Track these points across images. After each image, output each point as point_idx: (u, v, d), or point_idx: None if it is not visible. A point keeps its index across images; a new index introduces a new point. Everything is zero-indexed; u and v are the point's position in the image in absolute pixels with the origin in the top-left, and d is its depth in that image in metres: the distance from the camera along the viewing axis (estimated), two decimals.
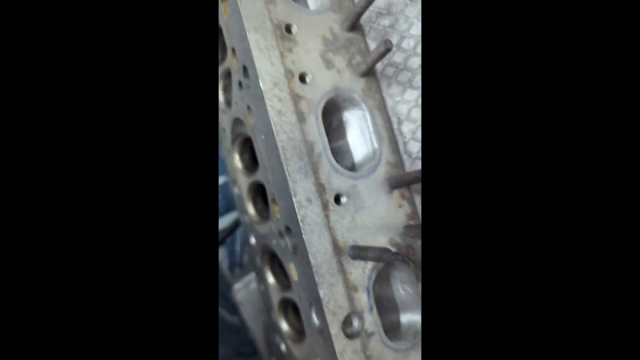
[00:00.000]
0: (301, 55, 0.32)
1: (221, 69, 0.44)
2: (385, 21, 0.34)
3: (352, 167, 0.34)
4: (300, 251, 0.31)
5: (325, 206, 0.30)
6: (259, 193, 0.47)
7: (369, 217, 0.31)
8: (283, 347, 0.50)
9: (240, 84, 0.35)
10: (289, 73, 0.31)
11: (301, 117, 0.31)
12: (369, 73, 0.33)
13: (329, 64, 0.32)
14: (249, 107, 0.34)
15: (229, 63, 0.38)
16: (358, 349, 0.29)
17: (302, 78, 0.31)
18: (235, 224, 0.79)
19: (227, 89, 0.49)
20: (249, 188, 0.46)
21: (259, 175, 0.39)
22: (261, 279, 0.50)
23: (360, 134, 0.34)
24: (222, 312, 0.78)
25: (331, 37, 0.33)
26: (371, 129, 0.33)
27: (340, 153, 0.35)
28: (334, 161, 0.31)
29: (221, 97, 0.48)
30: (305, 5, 0.35)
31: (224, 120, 0.47)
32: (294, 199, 0.29)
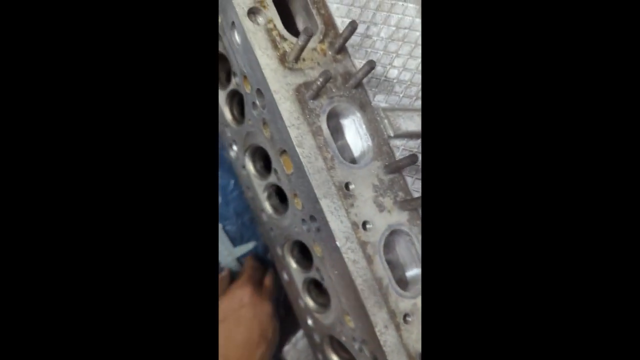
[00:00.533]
0: (360, 207, 0.39)
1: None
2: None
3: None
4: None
5: (397, 327, 0.38)
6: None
7: None
8: None
9: (308, 228, 0.43)
10: (354, 225, 0.39)
11: (369, 260, 0.38)
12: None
13: (381, 207, 0.40)
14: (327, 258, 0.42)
15: (291, 201, 0.45)
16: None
17: (364, 226, 0.39)
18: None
19: None
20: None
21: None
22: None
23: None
24: None
25: (378, 182, 0.41)
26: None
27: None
28: (397, 288, 0.39)
29: (268, 205, 0.56)
30: (352, 155, 0.43)
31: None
32: (375, 329, 0.37)
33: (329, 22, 0.44)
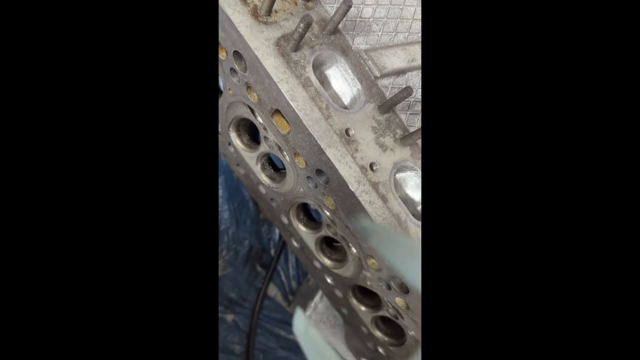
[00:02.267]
0: (364, 150, 0.39)
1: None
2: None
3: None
4: None
5: None
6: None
7: None
8: (372, 345, 0.61)
9: (315, 184, 0.43)
10: (362, 168, 0.39)
11: (384, 199, 0.39)
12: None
13: (383, 147, 0.41)
14: (341, 207, 0.42)
15: (292, 162, 0.44)
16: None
17: (372, 167, 0.39)
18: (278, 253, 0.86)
19: (265, 167, 0.55)
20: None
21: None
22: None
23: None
24: (292, 337, 0.87)
25: (376, 123, 0.41)
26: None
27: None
28: (415, 220, 0.40)
29: (264, 176, 0.54)
30: (342, 103, 0.42)
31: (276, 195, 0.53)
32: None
33: None
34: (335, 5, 0.43)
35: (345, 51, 0.42)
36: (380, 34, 0.44)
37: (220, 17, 0.38)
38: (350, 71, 0.42)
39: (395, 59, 0.43)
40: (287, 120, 0.41)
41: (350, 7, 0.38)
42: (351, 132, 0.40)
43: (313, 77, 0.39)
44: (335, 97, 0.44)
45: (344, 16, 0.39)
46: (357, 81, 0.42)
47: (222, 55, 0.42)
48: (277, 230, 0.90)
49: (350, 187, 0.38)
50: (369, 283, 0.48)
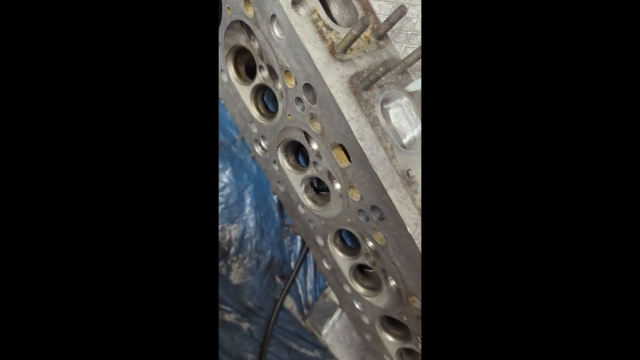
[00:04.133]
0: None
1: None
2: None
3: None
4: None
5: None
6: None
7: None
8: None
9: (367, 217, 0.44)
10: (420, 211, 0.39)
11: None
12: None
13: None
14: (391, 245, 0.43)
15: (344, 193, 0.45)
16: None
17: None
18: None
19: None
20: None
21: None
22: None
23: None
24: (303, 351, 0.87)
25: None
26: None
27: None
28: None
29: (306, 198, 0.55)
30: (401, 141, 0.43)
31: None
32: None
33: (368, 7, 0.43)
34: (404, 45, 0.44)
35: (411, 92, 0.43)
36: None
37: (298, 50, 0.39)
38: (413, 111, 0.43)
39: None
40: (348, 156, 0.41)
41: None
42: (411, 174, 0.40)
43: (381, 117, 0.40)
44: (395, 135, 0.44)
45: (417, 60, 0.40)
46: (419, 121, 0.43)
47: (289, 83, 0.43)
48: (299, 244, 0.90)
49: (408, 229, 0.38)
50: (405, 318, 0.48)
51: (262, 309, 0.86)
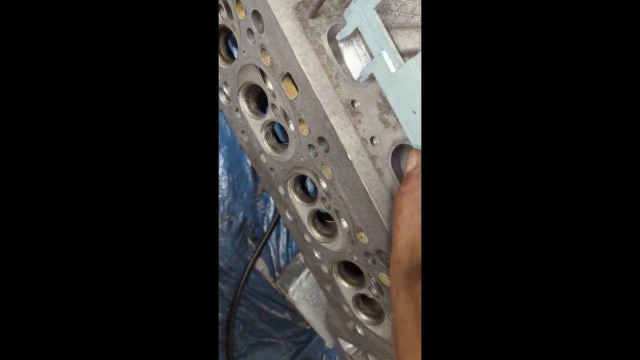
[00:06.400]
0: (366, 123, 0.40)
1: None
2: None
3: None
4: None
5: None
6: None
7: None
8: (350, 325, 0.62)
9: (316, 153, 0.44)
10: (363, 140, 0.40)
11: (379, 172, 0.40)
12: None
13: (386, 124, 0.42)
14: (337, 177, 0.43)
15: (296, 130, 0.45)
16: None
17: (372, 141, 0.40)
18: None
19: (268, 136, 0.56)
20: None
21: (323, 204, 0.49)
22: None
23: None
24: (273, 312, 0.88)
25: (382, 100, 0.42)
26: None
27: None
28: None
29: (266, 144, 0.56)
30: (352, 78, 0.43)
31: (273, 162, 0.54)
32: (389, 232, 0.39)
33: None
34: None
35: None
36: (397, 14, 0.45)
37: None
38: (363, 47, 0.43)
39: (409, 40, 0.44)
40: (296, 86, 0.42)
41: None
42: (357, 104, 0.41)
43: (327, 46, 0.40)
44: (347, 71, 0.45)
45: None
46: (369, 57, 0.43)
47: (241, 15, 0.43)
48: (272, 207, 0.91)
49: (349, 156, 0.39)
50: (355, 258, 0.49)
51: (233, 270, 0.87)
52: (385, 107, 0.42)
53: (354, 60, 0.44)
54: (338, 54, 0.45)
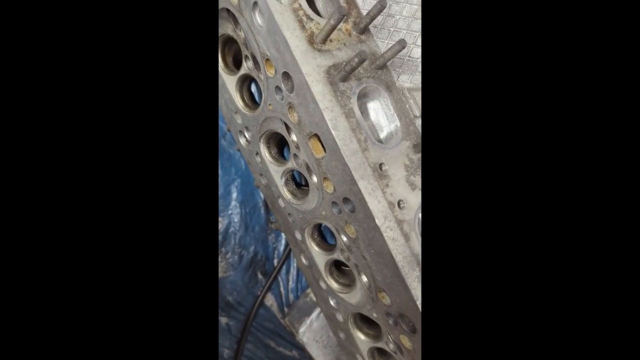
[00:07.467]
0: (394, 186, 0.40)
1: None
2: None
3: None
4: None
5: None
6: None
7: None
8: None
9: (339, 210, 0.44)
10: (390, 204, 0.39)
11: (406, 237, 0.39)
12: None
13: (412, 186, 0.41)
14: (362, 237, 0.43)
15: (319, 185, 0.45)
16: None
17: (399, 205, 0.40)
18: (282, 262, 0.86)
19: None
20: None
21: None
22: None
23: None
24: (281, 350, 0.86)
25: (409, 162, 0.42)
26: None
27: None
28: None
29: (286, 191, 0.55)
30: (378, 136, 0.43)
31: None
32: (417, 302, 0.38)
33: (351, 1, 0.43)
34: (387, 41, 0.44)
35: (390, 87, 0.43)
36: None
37: (277, 38, 0.39)
38: (391, 107, 0.43)
39: None
40: (323, 146, 0.41)
41: (404, 47, 0.39)
42: (384, 167, 0.40)
43: (356, 109, 0.40)
44: (372, 129, 0.44)
45: (395, 55, 0.40)
46: (396, 117, 0.43)
47: (270, 72, 0.43)
48: (283, 241, 0.90)
49: (377, 221, 0.38)
50: (374, 315, 0.48)
51: (242, 305, 0.85)
52: (412, 168, 0.42)
53: (381, 118, 0.44)
54: (365, 112, 0.45)
